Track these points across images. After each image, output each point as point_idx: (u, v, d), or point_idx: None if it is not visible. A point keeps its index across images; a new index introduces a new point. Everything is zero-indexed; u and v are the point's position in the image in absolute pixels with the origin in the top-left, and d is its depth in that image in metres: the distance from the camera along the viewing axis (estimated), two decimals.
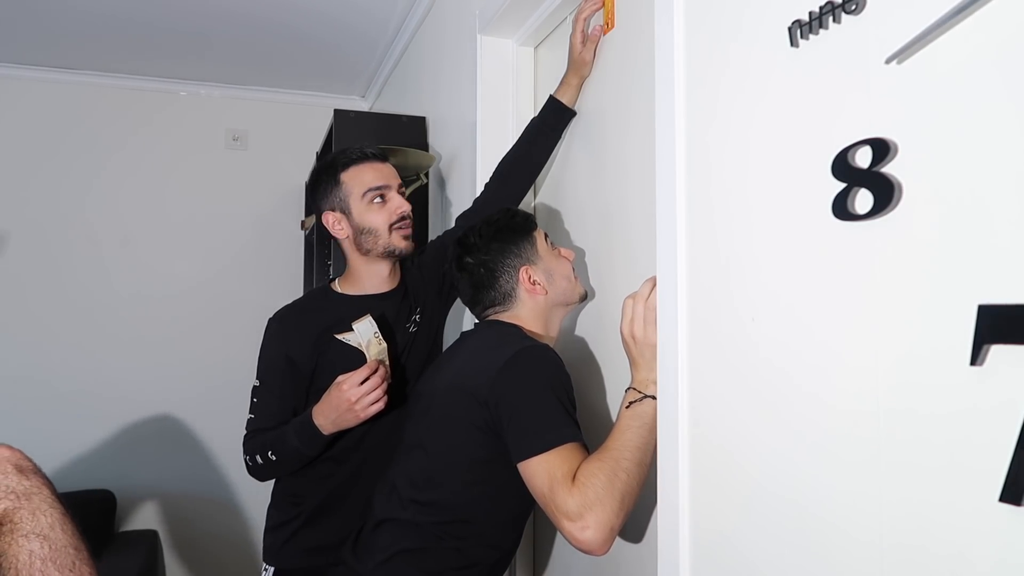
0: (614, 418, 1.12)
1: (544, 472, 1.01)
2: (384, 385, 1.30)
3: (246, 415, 1.45)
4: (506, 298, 1.25)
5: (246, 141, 3.32)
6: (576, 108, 1.46)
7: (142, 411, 3.10)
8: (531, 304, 1.25)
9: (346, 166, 1.44)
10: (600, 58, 1.39)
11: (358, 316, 1.31)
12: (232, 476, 3.15)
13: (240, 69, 3.09)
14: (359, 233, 1.43)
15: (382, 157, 1.47)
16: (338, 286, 1.51)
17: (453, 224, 1.63)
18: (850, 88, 0.68)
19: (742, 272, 0.82)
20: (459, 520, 1.15)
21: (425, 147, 2.30)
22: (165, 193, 3.20)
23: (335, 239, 1.48)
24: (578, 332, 1.44)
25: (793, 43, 0.74)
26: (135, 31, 2.67)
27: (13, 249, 3.00)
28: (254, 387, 1.45)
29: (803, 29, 0.73)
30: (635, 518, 1.17)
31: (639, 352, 1.07)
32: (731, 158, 0.84)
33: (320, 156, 2.76)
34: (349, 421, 1.29)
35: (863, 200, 0.66)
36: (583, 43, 1.38)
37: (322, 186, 1.46)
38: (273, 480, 1.51)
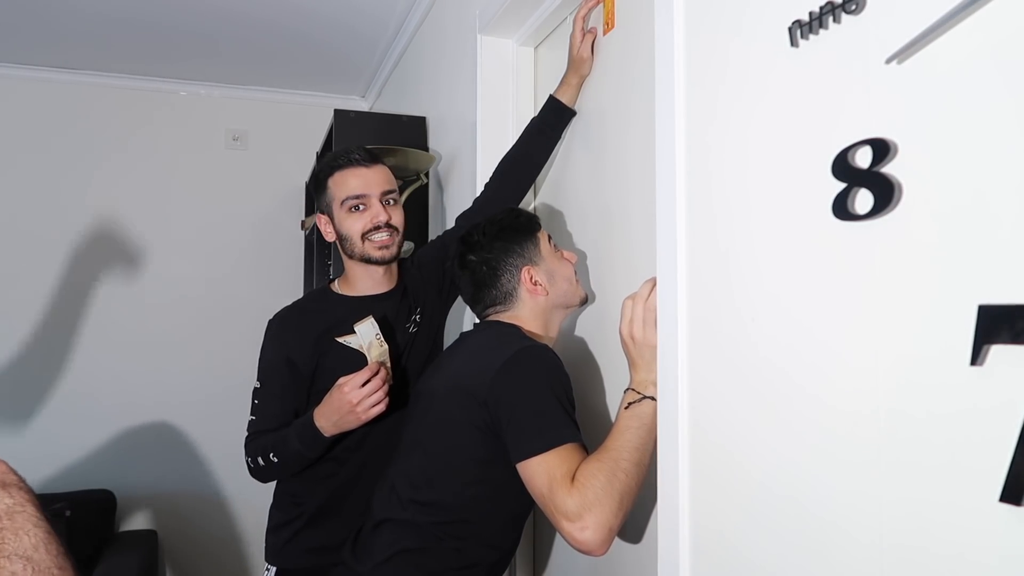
0: (613, 418, 1.12)
1: (543, 472, 1.01)
2: (386, 387, 1.30)
3: (246, 416, 1.45)
4: (507, 297, 1.25)
5: (246, 141, 3.32)
6: (576, 108, 1.46)
7: (142, 411, 3.10)
8: (531, 304, 1.25)
9: (332, 171, 1.44)
10: (600, 58, 1.39)
11: (358, 317, 1.31)
12: (232, 476, 3.14)
13: (240, 69, 3.09)
14: (340, 238, 1.45)
15: (372, 161, 1.45)
16: (338, 287, 1.51)
17: (453, 224, 1.63)
18: (850, 88, 0.68)
19: (742, 272, 0.82)
20: (459, 520, 1.15)
21: (425, 147, 2.30)
22: (165, 193, 3.20)
23: None
24: (578, 332, 1.44)
25: (793, 43, 0.74)
26: (135, 31, 2.67)
27: (12, 249, 3.00)
28: (255, 389, 1.45)
29: (803, 29, 0.72)
30: (635, 518, 1.17)
31: (638, 353, 1.07)
32: (731, 158, 0.84)
33: (320, 156, 2.76)
34: (351, 423, 1.29)
35: (863, 200, 0.66)
36: (582, 41, 1.38)
37: (316, 188, 1.49)
38: (274, 481, 1.51)
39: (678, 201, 0.93)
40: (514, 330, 1.22)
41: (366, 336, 1.30)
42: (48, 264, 3.03)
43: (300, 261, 3.32)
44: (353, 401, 1.26)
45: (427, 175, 2.23)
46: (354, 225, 1.42)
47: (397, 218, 1.44)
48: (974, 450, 0.55)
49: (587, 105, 1.44)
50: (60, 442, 2.96)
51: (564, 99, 1.45)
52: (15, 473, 0.74)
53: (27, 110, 3.04)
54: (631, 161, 1.24)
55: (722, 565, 0.84)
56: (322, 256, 2.77)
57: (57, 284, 3.04)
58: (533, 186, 1.62)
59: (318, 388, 1.39)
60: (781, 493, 0.75)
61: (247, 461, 1.42)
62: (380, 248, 1.42)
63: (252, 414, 1.44)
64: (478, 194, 1.60)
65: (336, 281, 1.53)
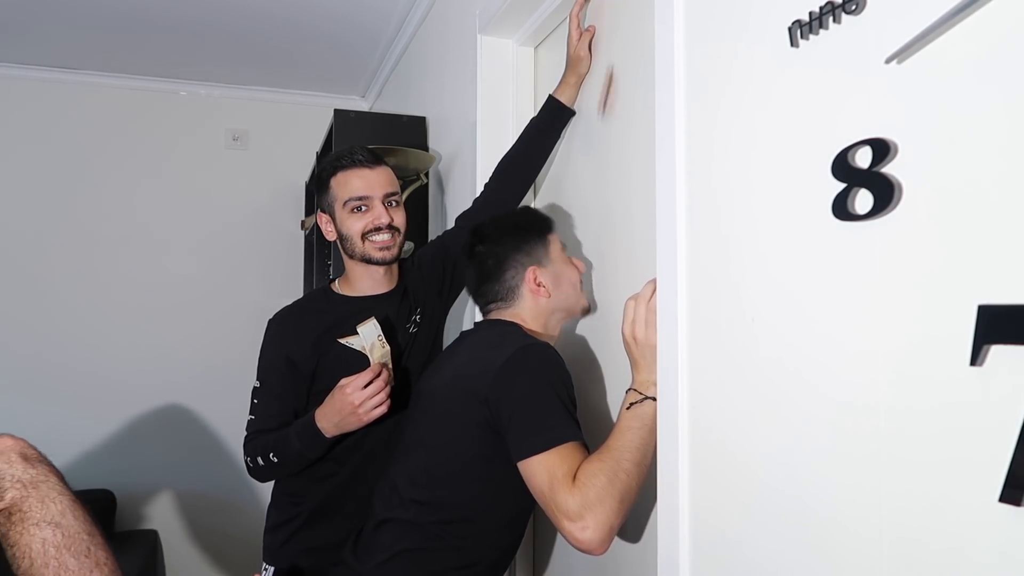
0: (614, 418, 1.12)
1: (544, 471, 1.01)
2: (387, 388, 1.30)
3: (246, 415, 1.45)
4: (509, 294, 1.25)
5: (246, 141, 3.32)
6: (576, 108, 1.46)
7: (142, 411, 3.10)
8: (532, 304, 1.25)
9: (335, 171, 1.44)
10: (598, 58, 1.39)
11: (358, 317, 1.31)
12: (232, 476, 3.15)
13: (240, 69, 3.09)
14: (341, 238, 1.45)
15: (375, 163, 1.45)
16: (338, 287, 1.51)
17: (453, 224, 1.63)
18: (850, 88, 0.68)
19: (742, 272, 0.82)
20: (460, 519, 1.15)
21: (425, 147, 2.30)
22: (165, 193, 3.20)
23: None
24: (579, 332, 1.44)
25: (793, 43, 0.74)
26: (135, 30, 2.67)
27: (12, 248, 3.00)
28: (254, 388, 1.45)
29: (803, 29, 0.73)
30: (635, 518, 1.17)
31: (640, 353, 1.07)
32: (731, 158, 0.84)
33: (320, 156, 2.76)
34: (352, 424, 1.29)
35: (863, 200, 0.66)
36: (579, 40, 1.38)
37: (318, 187, 1.49)
38: (273, 480, 1.51)
39: (678, 201, 0.93)
40: (515, 328, 1.22)
41: (369, 337, 1.30)
42: (48, 264, 3.04)
43: (300, 261, 3.32)
44: (355, 402, 1.26)
45: (427, 175, 2.23)
46: (355, 225, 1.42)
47: (399, 220, 1.45)
48: (974, 450, 0.56)
49: (587, 105, 1.44)
50: (60, 441, 2.94)
51: (563, 99, 1.45)
52: (35, 448, 0.75)
53: (27, 110, 3.04)
54: (631, 161, 1.24)
55: (722, 564, 0.84)
56: (322, 256, 2.77)
57: (56, 284, 3.04)
58: (533, 186, 1.62)
59: (318, 388, 1.40)
60: (781, 492, 0.75)
61: (246, 460, 1.41)
62: (381, 249, 1.42)
63: (251, 413, 1.44)
64: (478, 194, 1.60)
65: (336, 281, 1.53)
